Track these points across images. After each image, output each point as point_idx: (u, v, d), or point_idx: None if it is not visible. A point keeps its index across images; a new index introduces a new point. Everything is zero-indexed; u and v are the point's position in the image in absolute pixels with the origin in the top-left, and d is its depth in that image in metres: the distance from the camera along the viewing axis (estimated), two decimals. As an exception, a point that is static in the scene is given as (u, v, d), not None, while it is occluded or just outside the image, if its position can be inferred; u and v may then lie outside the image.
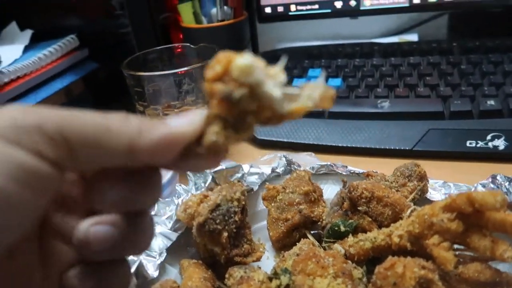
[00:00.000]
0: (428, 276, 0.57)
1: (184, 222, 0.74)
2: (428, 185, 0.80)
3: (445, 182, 0.82)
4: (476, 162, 1.03)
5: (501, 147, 1.02)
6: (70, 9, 1.37)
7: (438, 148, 1.06)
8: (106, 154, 0.31)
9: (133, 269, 0.66)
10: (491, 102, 1.10)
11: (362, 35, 1.80)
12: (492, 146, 1.03)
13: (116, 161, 0.31)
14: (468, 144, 1.05)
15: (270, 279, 0.64)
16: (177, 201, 0.78)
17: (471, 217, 0.59)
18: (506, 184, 0.71)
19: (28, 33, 1.34)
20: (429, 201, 0.78)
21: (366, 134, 1.13)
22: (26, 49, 1.28)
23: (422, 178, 0.78)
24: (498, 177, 0.71)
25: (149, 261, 0.70)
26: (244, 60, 0.29)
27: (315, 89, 0.32)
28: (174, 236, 0.74)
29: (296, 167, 0.92)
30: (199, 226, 0.70)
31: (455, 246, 0.61)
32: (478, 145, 1.04)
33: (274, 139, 1.19)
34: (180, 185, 0.82)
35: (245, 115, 0.31)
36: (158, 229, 0.75)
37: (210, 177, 0.81)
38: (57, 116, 0.29)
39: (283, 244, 0.81)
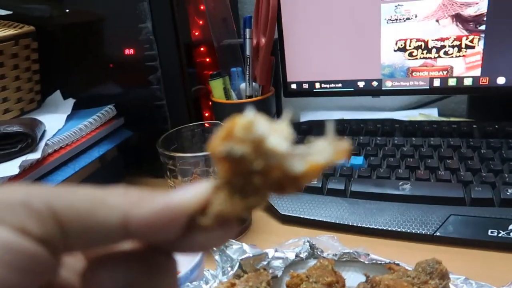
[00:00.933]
0: None
1: (212, 313, 0.77)
2: (449, 283, 0.81)
3: (467, 279, 0.83)
4: (498, 252, 1.04)
5: (524, 233, 1.03)
6: (109, 77, 1.48)
7: (460, 235, 1.07)
8: (98, 229, 0.27)
9: None
10: (511, 190, 1.12)
11: (383, 107, 1.87)
12: (513, 236, 1.04)
13: (111, 237, 0.28)
14: (489, 233, 1.06)
15: None
16: (205, 287, 0.81)
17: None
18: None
19: (71, 102, 1.44)
20: (451, 300, 0.80)
21: (387, 216, 1.16)
22: (68, 117, 1.37)
23: (444, 276, 0.80)
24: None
25: None
26: (245, 117, 0.28)
27: (327, 143, 0.30)
28: (202, 321, 0.77)
29: (319, 253, 0.95)
30: (226, 317, 0.72)
31: None
32: (500, 235, 1.05)
33: (296, 215, 1.22)
34: (208, 270, 0.85)
35: (252, 177, 0.28)
36: (186, 314, 0.78)
37: (238, 264, 0.85)
38: (47, 191, 0.27)
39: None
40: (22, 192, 0.26)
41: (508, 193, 1.11)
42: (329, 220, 1.18)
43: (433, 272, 0.81)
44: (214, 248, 0.87)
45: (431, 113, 1.80)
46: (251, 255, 0.86)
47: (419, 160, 1.29)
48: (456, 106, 1.83)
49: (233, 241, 0.88)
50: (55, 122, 1.31)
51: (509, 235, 1.05)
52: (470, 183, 1.17)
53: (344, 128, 1.51)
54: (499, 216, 1.08)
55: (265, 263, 0.87)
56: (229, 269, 0.86)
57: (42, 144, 1.14)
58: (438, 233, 1.09)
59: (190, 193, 0.29)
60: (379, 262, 0.91)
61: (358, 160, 1.31)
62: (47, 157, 1.16)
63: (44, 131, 1.24)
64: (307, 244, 0.96)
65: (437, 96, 1.81)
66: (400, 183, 1.21)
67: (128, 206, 0.28)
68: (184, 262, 0.89)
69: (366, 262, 0.91)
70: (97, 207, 0.27)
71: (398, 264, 0.87)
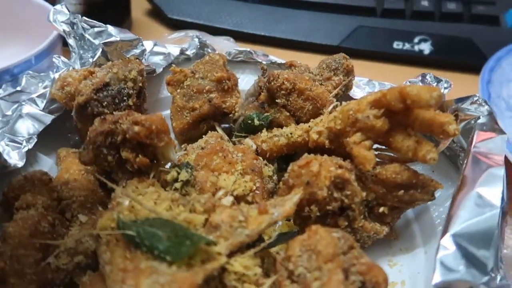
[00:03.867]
0: (344, 175, 0.51)
1: (61, 103, 0.59)
2: (353, 82, 0.72)
3: (370, 80, 0.75)
4: (402, 65, 0.99)
5: (426, 52, 0.98)
6: None
7: (365, 47, 0.99)
8: None
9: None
10: (424, 3, 1.03)
11: None
12: (418, 50, 0.98)
13: None
14: (395, 46, 0.99)
15: (167, 172, 0.54)
16: (53, 76, 0.61)
17: (397, 115, 0.53)
18: (434, 84, 0.66)
19: None
20: (352, 99, 0.71)
21: (292, 25, 1.01)
22: None
23: (349, 73, 0.70)
24: (427, 77, 0.66)
25: (13, 148, 0.55)
26: None
27: None
28: (48, 119, 0.59)
29: (210, 51, 0.78)
30: (79, 107, 0.55)
31: (375, 146, 0.56)
32: (405, 47, 0.99)
33: (188, 19, 1.01)
34: (59, 57, 0.64)
35: None
36: (26, 109, 0.59)
37: (100, 50, 0.65)
38: None
39: (187, 136, 0.70)
40: None
41: (421, 5, 1.02)
42: (225, 27, 1.01)
43: (338, 68, 0.70)
44: (68, 28, 0.64)
45: None
46: (118, 39, 0.66)
47: (333, -34, 1.11)
48: None
49: (95, 21, 0.66)
50: None
51: (413, 47, 0.99)
52: (384, -7, 1.04)
53: None
54: (407, 28, 1.00)
55: (137, 51, 0.68)
56: (90, 59, 0.66)
57: None
58: (343, 44, 0.99)
59: None
60: (279, 62, 0.78)
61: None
62: None
63: None
64: (196, 40, 0.78)
65: None
66: (310, -11, 1.04)
67: None
68: (27, 48, 0.66)
69: (264, 62, 0.78)
70: None
71: (300, 63, 0.74)
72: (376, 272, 0.42)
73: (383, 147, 0.56)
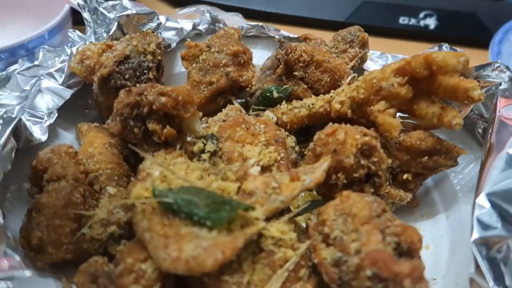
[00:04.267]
0: (371, 142, 0.52)
1: (81, 77, 0.58)
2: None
3: (383, 53, 0.76)
4: (408, 41, 1.00)
5: (432, 27, 0.98)
6: None
7: (371, 23, 0.99)
8: None
9: (9, 130, 0.50)
10: (429, -23, 1.03)
11: None
12: (423, 25, 0.99)
13: None
14: (401, 21, 0.99)
15: (193, 143, 0.54)
16: (70, 51, 0.60)
17: (421, 83, 0.54)
18: (450, 54, 0.66)
19: None
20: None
21: (298, 1, 1.01)
22: None
23: (364, 45, 0.71)
24: (444, 47, 0.66)
25: (34, 123, 0.55)
26: None
27: None
28: (67, 93, 0.59)
29: (222, 26, 0.77)
30: (102, 80, 0.55)
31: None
32: (411, 23, 0.99)
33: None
34: (74, 32, 0.63)
35: None
36: (45, 83, 0.58)
37: (115, 24, 0.63)
38: None
39: (204, 111, 0.69)
40: None
41: (425, -21, 1.03)
42: (230, 4, 1.00)
43: (353, 40, 0.71)
44: (82, 2, 0.63)
45: None
46: (134, 12, 0.65)
47: None
48: None
49: (108, -6, 0.64)
50: None
51: (419, 23, 0.99)
52: (388, -32, 1.04)
53: None
54: (412, 3, 1.00)
55: (153, 25, 0.67)
56: (105, 34, 0.64)
57: None
58: (350, 20, 0.99)
59: None
60: (292, 36, 0.77)
61: None
62: None
63: None
64: (208, 15, 0.77)
65: None
66: (316, -36, 1.03)
67: None
68: (39, 23, 0.65)
69: (277, 37, 0.77)
70: None
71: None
72: (411, 233, 0.43)
73: (405, 115, 0.57)
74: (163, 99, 0.50)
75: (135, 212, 0.45)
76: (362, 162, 0.52)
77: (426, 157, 0.54)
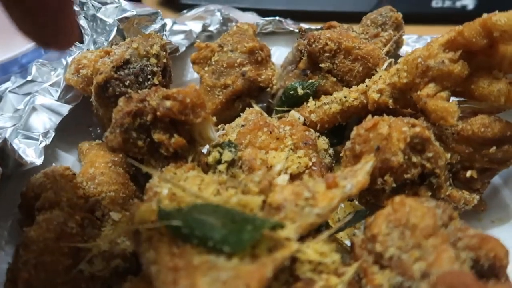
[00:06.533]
0: (424, 134, 0.42)
1: (78, 88, 0.51)
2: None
3: (420, 36, 0.66)
4: (442, 25, 0.89)
5: (470, 7, 0.88)
6: None
7: (400, 10, 0.89)
8: None
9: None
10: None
11: None
12: (460, 6, 0.89)
13: None
14: (433, 4, 0.89)
15: (208, 153, 0.45)
16: (65, 62, 0.53)
17: (479, 56, 0.44)
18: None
19: None
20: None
21: (319, -5, 0.93)
22: None
23: (399, 26, 0.61)
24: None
25: (28, 145, 0.48)
26: None
27: None
28: (65, 109, 0.52)
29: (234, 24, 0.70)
30: (98, 88, 0.48)
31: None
32: (445, 5, 0.89)
33: (203, 2, 0.94)
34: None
35: None
36: (39, 100, 0.52)
37: (115, 28, 0.57)
38: None
39: (221, 118, 0.62)
40: None
41: (457, -43, 0.92)
42: (244, 6, 0.93)
43: (386, 22, 0.61)
44: (77, 8, 0.57)
45: None
46: (134, 13, 0.58)
47: None
48: None
49: (106, -2, 0.58)
50: None
51: (455, 4, 0.89)
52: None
53: None
54: (444, -17, 0.91)
55: (157, 26, 0.60)
56: (105, 43, 0.58)
57: None
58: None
59: None
60: (314, 28, 0.69)
61: None
62: None
63: None
64: (218, 14, 0.70)
65: None
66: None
67: None
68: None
69: (296, 31, 0.69)
70: None
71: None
72: (493, 245, 0.33)
73: (462, 98, 0.47)
74: (168, 103, 0.43)
75: (140, 240, 0.37)
76: (414, 159, 0.42)
77: (494, 148, 0.44)
